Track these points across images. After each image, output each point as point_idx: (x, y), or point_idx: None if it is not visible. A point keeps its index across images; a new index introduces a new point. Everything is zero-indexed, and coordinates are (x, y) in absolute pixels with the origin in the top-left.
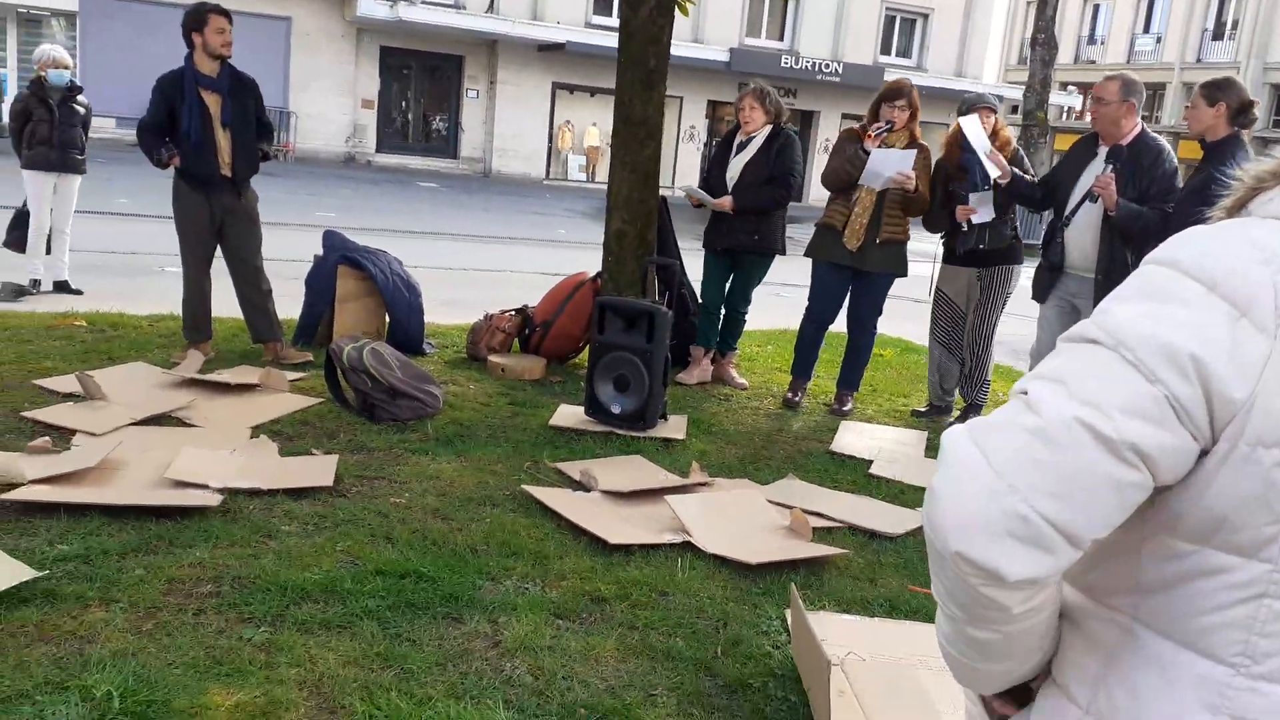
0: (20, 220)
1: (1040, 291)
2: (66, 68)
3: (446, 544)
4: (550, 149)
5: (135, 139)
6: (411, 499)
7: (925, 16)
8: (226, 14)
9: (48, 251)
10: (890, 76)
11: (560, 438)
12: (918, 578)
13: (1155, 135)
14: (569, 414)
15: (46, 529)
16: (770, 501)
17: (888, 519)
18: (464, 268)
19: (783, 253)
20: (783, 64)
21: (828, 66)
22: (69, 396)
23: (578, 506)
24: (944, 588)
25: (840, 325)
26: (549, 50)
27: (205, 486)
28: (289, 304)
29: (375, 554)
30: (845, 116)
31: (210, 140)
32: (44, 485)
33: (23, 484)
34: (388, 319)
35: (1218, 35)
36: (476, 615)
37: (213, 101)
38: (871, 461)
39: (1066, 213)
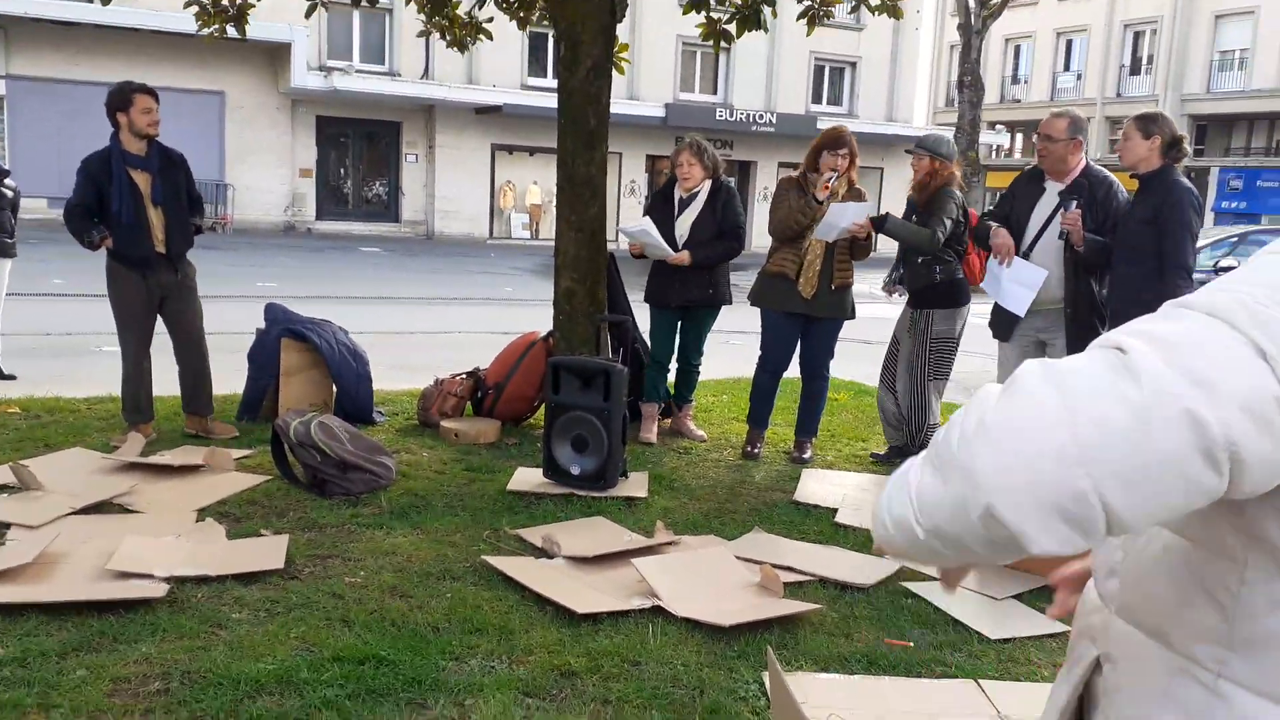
0: None
1: (1001, 329)
2: None
3: (406, 624)
4: (492, 208)
5: (65, 224)
6: (367, 577)
7: (854, 65)
8: (153, 93)
9: None
10: (823, 124)
11: (519, 502)
12: (892, 630)
13: (1101, 168)
14: (527, 477)
15: None
16: (739, 558)
17: (858, 569)
18: (411, 331)
19: (729, 302)
20: (718, 116)
21: (761, 117)
22: (3, 489)
23: (542, 575)
24: (943, 515)
25: (793, 371)
26: (486, 113)
27: (150, 576)
28: (232, 378)
29: (332, 639)
30: (782, 165)
31: (143, 219)
32: None
33: None
34: (335, 389)
35: (1134, 70)
36: (442, 699)
37: (142, 180)
38: (836, 510)
39: (1023, 248)
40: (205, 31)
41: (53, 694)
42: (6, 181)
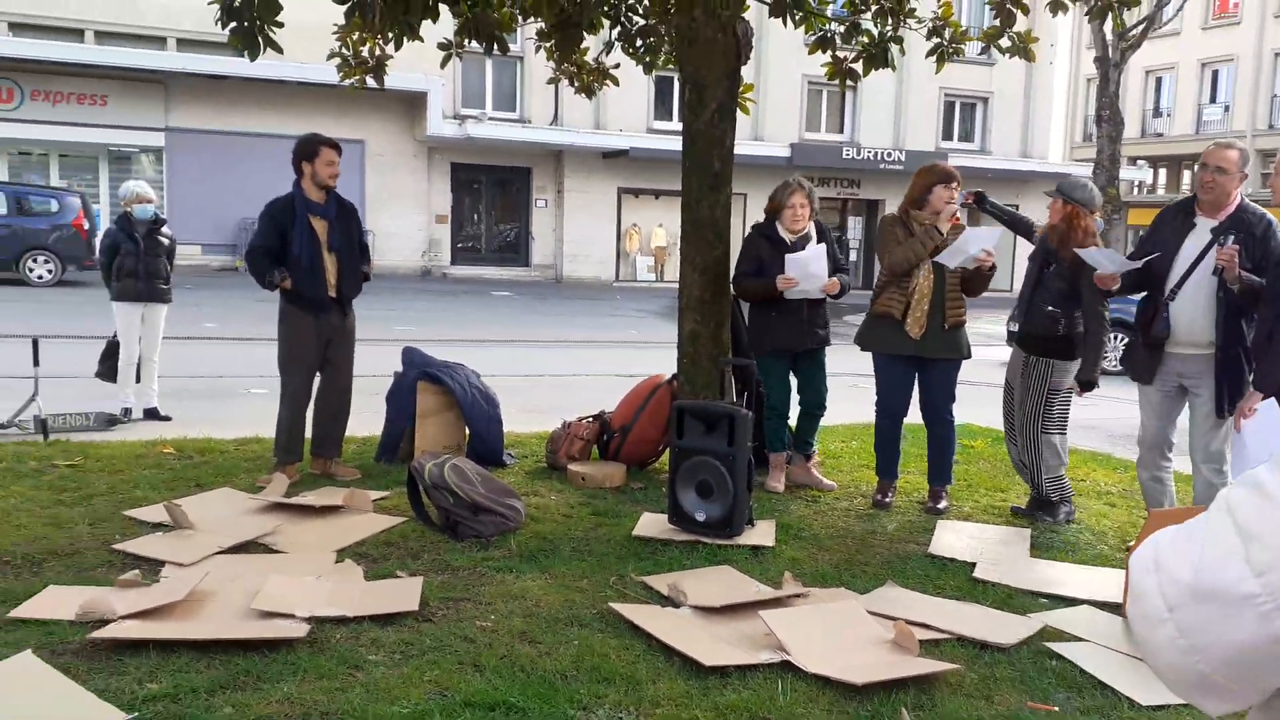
0: (111, 351)
1: (1142, 372)
2: (150, 202)
3: (535, 670)
4: (619, 251)
5: (246, 264)
6: (498, 621)
7: (985, 100)
8: (337, 146)
9: (137, 380)
10: (954, 161)
11: (645, 548)
12: (1036, 693)
13: (1255, 205)
14: (652, 523)
15: (135, 667)
16: (871, 613)
17: (998, 628)
18: (540, 374)
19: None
20: (844, 155)
21: (890, 155)
22: (158, 526)
23: (668, 625)
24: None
25: (916, 415)
26: (613, 157)
27: (292, 616)
28: (371, 419)
29: (464, 683)
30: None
31: (319, 264)
32: (134, 621)
33: (113, 620)
34: (468, 432)
35: None
36: None
37: (320, 227)
38: (975, 564)
39: (1170, 287)
40: (347, 83)
41: None
42: (164, 230)
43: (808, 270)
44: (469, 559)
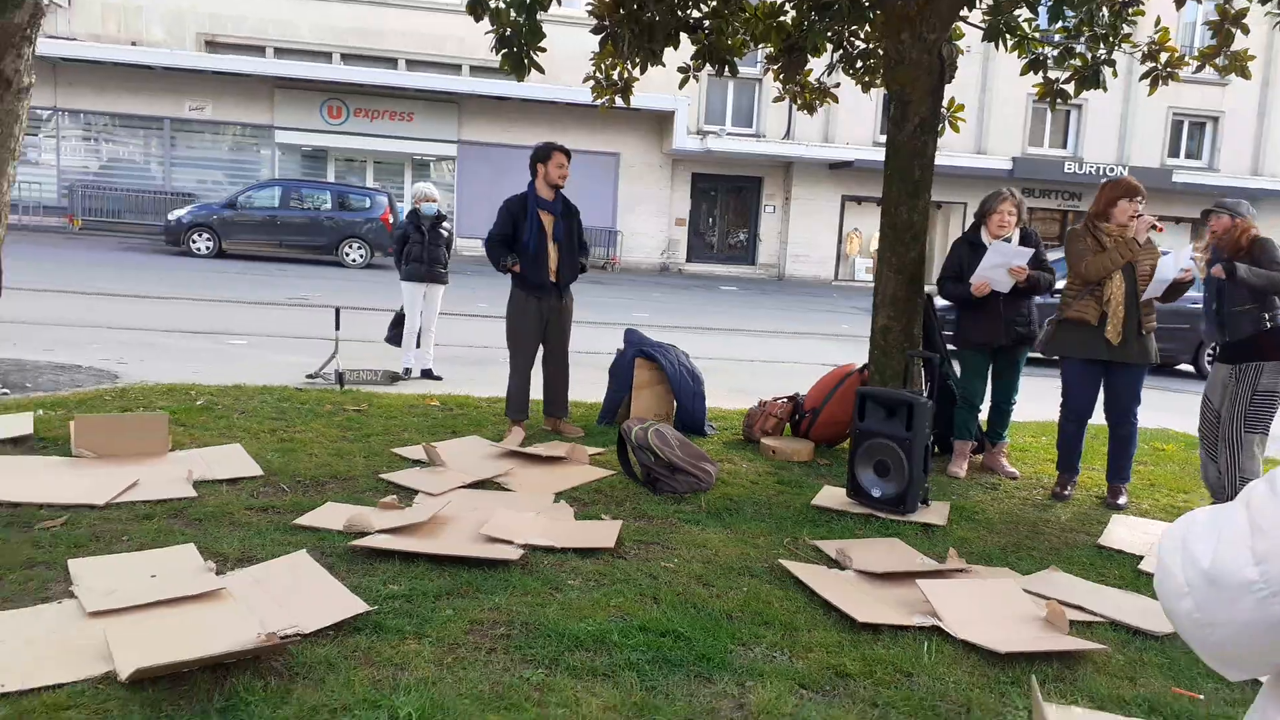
0: (398, 321)
1: None
2: (434, 201)
3: (705, 608)
4: (839, 253)
5: (485, 250)
6: (679, 564)
7: (1215, 119)
8: (567, 152)
9: (418, 345)
10: (1180, 178)
11: (821, 517)
12: (1183, 680)
13: None
14: (831, 495)
15: (383, 571)
16: (1027, 591)
17: (1155, 617)
18: (753, 359)
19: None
20: (1066, 169)
21: (1113, 170)
22: (417, 462)
23: (830, 583)
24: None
25: (1099, 416)
26: (839, 168)
27: (511, 543)
28: (597, 389)
29: (642, 611)
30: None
31: (544, 252)
32: (387, 535)
33: (371, 533)
34: (675, 404)
35: None
36: (725, 677)
37: (547, 221)
38: (1142, 557)
39: None
40: (599, 102)
41: (426, 626)
42: (444, 224)
43: (1007, 259)
44: (663, 510)
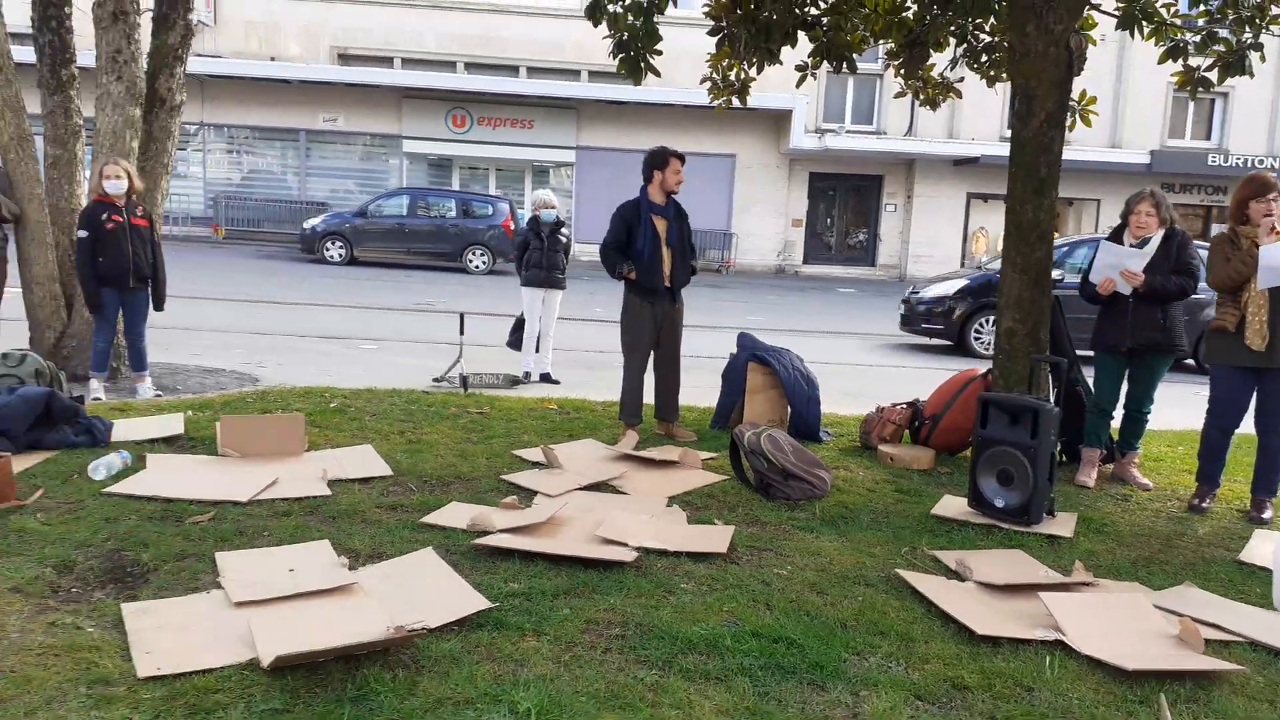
0: (518, 326)
1: None
2: (553, 208)
3: (819, 616)
4: (963, 252)
5: (600, 257)
6: (793, 571)
7: None
8: (682, 157)
9: (537, 350)
10: None
11: (941, 527)
12: None
13: None
14: (952, 504)
15: (504, 569)
16: (1159, 608)
17: None
18: (871, 364)
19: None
20: (1209, 162)
21: (1262, 163)
22: (536, 464)
23: (949, 594)
24: None
25: (1247, 426)
26: (964, 164)
27: (625, 545)
28: (709, 393)
29: (755, 617)
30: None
31: (658, 257)
32: (508, 534)
33: (493, 532)
34: (789, 409)
35: None
36: (839, 685)
37: (661, 226)
38: None
39: None
40: (716, 103)
41: (544, 624)
42: (562, 231)
43: (1119, 260)
44: (776, 516)
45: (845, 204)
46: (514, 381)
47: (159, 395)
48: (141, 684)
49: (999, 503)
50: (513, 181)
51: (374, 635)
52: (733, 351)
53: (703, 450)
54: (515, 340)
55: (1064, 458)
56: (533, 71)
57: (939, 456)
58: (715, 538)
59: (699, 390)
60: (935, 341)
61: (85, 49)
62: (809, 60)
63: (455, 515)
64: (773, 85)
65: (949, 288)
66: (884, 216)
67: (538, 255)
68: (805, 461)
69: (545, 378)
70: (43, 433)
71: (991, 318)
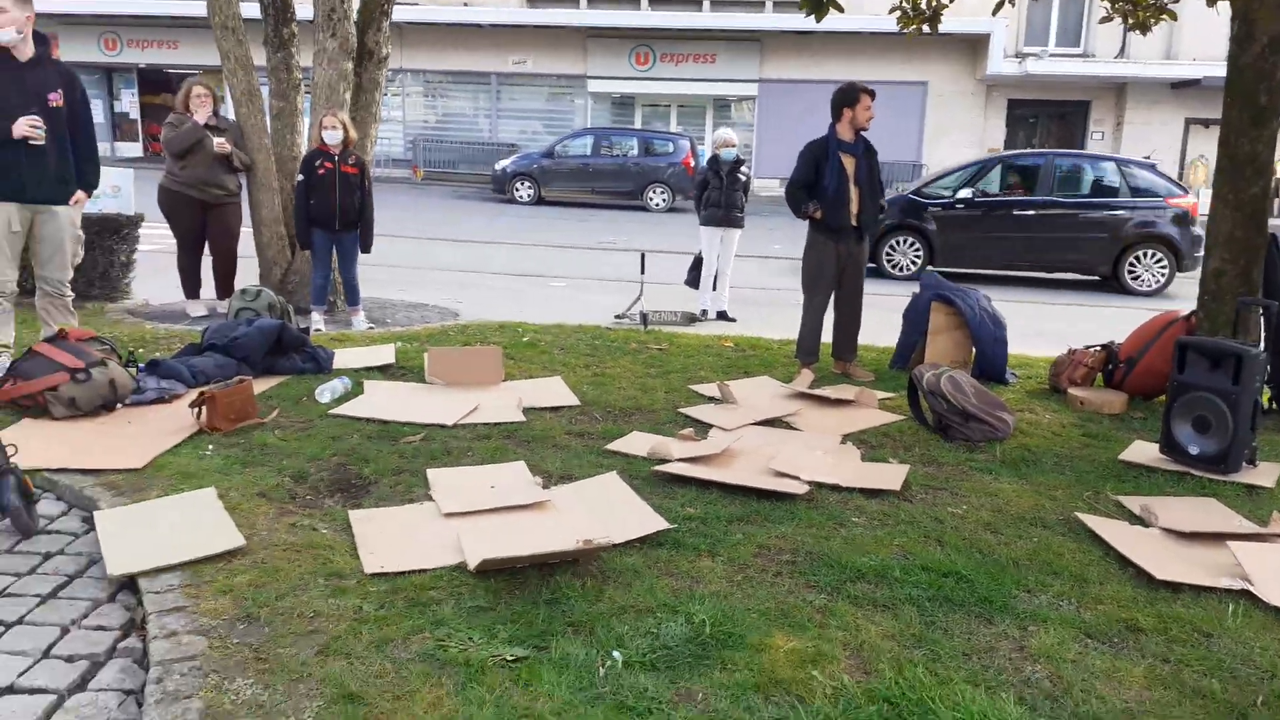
0: (696, 265)
1: None
2: (733, 146)
3: (991, 554)
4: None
5: (785, 196)
6: (968, 511)
7: None
8: (872, 93)
9: (714, 288)
10: None
11: (1129, 473)
12: None
13: None
14: (1142, 450)
15: (681, 495)
16: None
17: None
18: (1052, 302)
19: None
20: None
21: None
22: (711, 399)
23: (1130, 538)
24: None
25: None
26: (1183, 87)
27: (798, 478)
28: (889, 332)
29: (925, 552)
30: None
31: (845, 195)
32: (685, 463)
33: (671, 461)
34: (974, 350)
35: None
36: (1007, 620)
37: (849, 163)
38: None
39: None
40: (905, 31)
41: (718, 546)
42: (742, 169)
43: None
44: (954, 458)
45: (1047, 132)
46: (691, 319)
47: (371, 327)
48: (368, 579)
49: (1194, 449)
50: (693, 118)
51: (566, 546)
52: (915, 291)
53: (880, 390)
54: (693, 278)
55: (1274, 404)
56: (716, 5)
57: (1133, 401)
58: (889, 475)
59: (878, 329)
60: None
61: (302, 4)
62: None
63: (636, 444)
64: (968, 8)
65: None
66: (1090, 145)
67: (716, 194)
68: (987, 403)
69: (722, 315)
70: (276, 360)
71: (906, 239)
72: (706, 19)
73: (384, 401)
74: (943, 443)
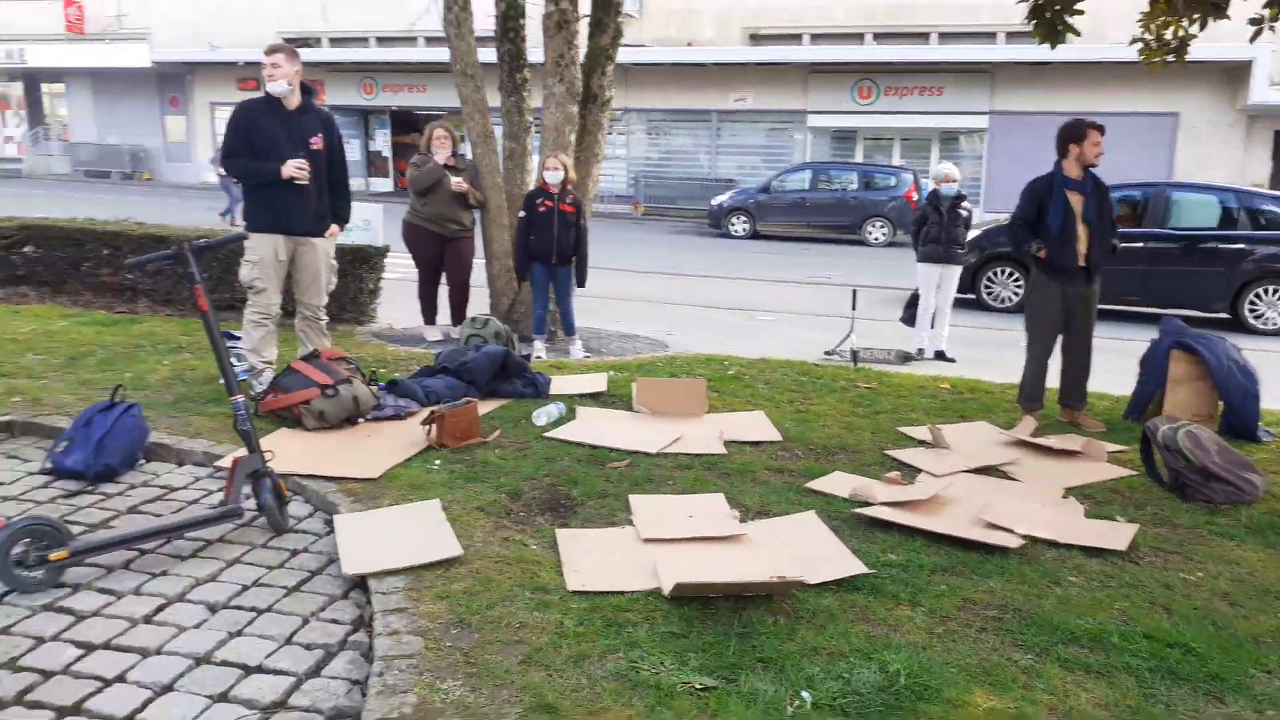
0: (913, 301)
1: None
2: (955, 181)
3: (1226, 627)
4: None
5: (1007, 234)
6: (1203, 579)
7: None
8: (1101, 128)
9: (931, 326)
10: None
11: None
12: None
13: None
14: None
15: (882, 540)
16: None
17: None
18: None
19: None
20: None
21: None
22: (921, 443)
23: None
24: None
25: None
26: None
27: (1011, 531)
28: (1124, 380)
29: (1149, 619)
30: None
31: (1071, 234)
32: (889, 507)
33: (874, 504)
34: (1220, 404)
35: None
36: (1240, 701)
37: (1076, 201)
38: None
39: None
40: (1148, 64)
41: (919, 596)
42: (963, 205)
43: None
44: (1191, 519)
45: None
46: (906, 358)
47: (587, 356)
48: (570, 595)
49: None
50: (917, 151)
51: (761, 578)
52: (1154, 337)
53: (1111, 442)
54: (909, 316)
55: None
56: (944, 37)
57: None
58: (1115, 534)
59: (1110, 376)
60: None
61: (534, 49)
62: (1265, 12)
63: (838, 484)
64: (1224, 33)
65: None
66: None
67: (936, 229)
68: (1232, 462)
69: (940, 355)
70: (499, 384)
71: (1005, 269)
72: (934, 52)
73: (594, 427)
74: (1179, 503)
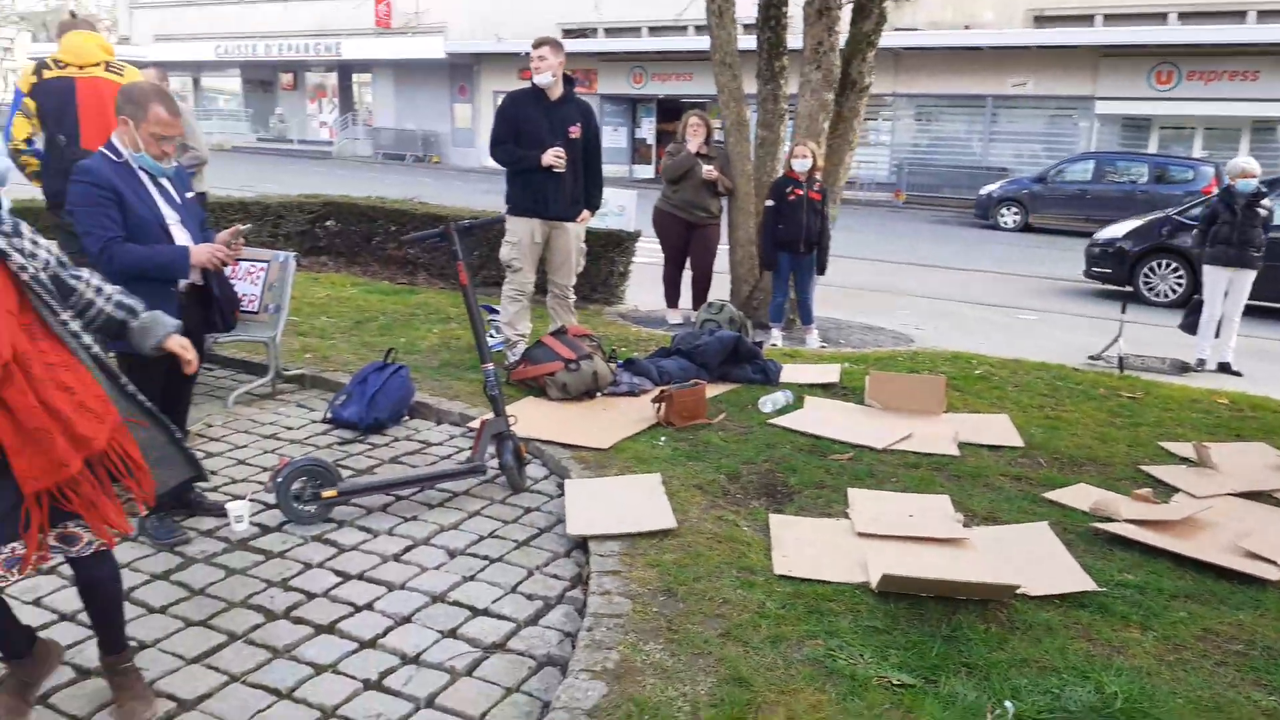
0: (1196, 307)
1: None
2: (1253, 177)
3: None
4: None
5: None
6: None
7: None
8: None
9: (1216, 335)
10: None
11: None
12: None
13: None
14: None
15: (1119, 559)
16: None
17: None
18: None
19: None
20: None
21: None
22: (1184, 460)
23: None
24: None
25: None
26: None
27: (1273, 562)
28: None
29: None
30: None
31: None
32: (1132, 525)
33: (1117, 520)
34: None
35: None
36: None
37: None
38: None
39: None
40: None
41: (1153, 620)
42: (1262, 203)
43: None
44: None
45: None
46: (1182, 368)
47: (823, 346)
48: (775, 579)
49: None
50: (1225, 141)
51: (977, 579)
52: None
53: None
54: (1190, 323)
55: None
56: (1264, 15)
57: None
58: None
59: None
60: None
61: (794, 35)
62: None
63: (1079, 496)
64: None
65: (1120, 229)
66: None
67: (1227, 230)
68: None
69: (1224, 367)
70: (729, 368)
71: (1166, 262)
72: (1250, 32)
73: (820, 418)
74: None
